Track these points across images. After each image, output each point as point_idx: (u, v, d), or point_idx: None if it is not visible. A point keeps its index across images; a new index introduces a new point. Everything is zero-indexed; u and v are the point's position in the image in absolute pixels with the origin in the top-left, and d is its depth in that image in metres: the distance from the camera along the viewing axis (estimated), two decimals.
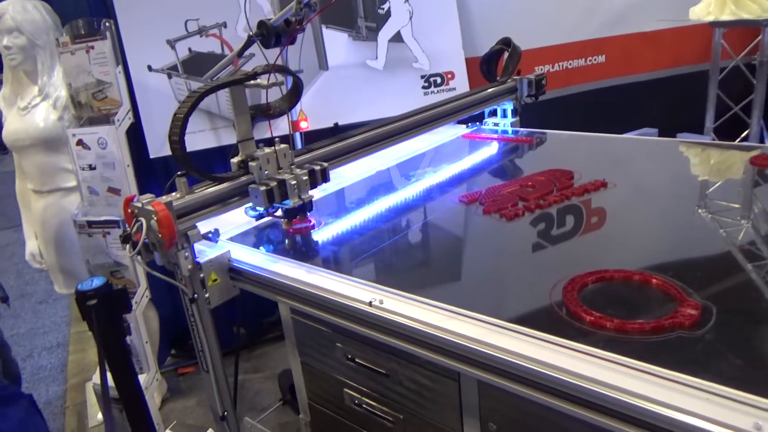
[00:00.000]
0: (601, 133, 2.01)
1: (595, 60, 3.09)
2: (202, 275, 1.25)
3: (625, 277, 1.00)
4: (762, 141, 3.17)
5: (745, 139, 3.15)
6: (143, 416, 1.43)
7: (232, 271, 1.30)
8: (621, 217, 1.34)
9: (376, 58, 2.49)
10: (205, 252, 1.29)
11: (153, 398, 2.15)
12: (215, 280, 1.28)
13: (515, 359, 0.84)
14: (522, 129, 2.14)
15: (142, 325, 1.99)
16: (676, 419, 0.69)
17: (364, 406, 1.40)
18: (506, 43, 2.10)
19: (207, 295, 1.27)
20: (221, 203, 1.30)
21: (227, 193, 1.31)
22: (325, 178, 1.40)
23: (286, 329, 1.48)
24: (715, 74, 3.07)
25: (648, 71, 3.26)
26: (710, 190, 1.49)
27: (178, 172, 1.23)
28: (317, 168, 1.38)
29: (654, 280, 0.96)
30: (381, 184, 1.74)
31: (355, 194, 1.67)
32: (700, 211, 1.36)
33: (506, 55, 2.14)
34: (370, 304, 1.02)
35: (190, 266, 1.23)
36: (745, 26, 2.90)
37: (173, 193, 1.24)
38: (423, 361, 1.17)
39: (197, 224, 1.26)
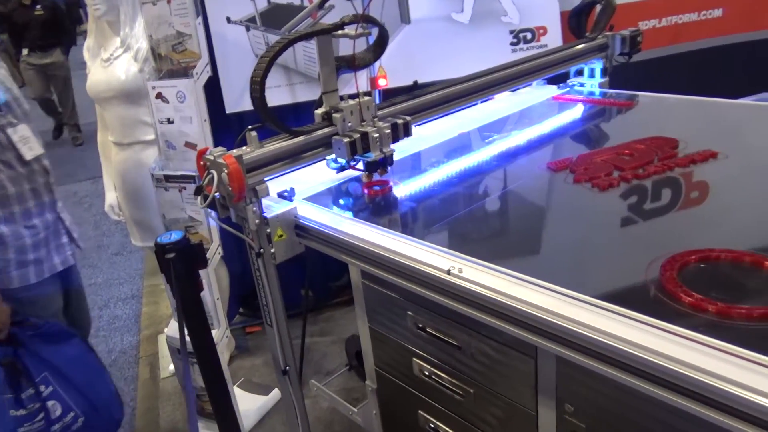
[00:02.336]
0: (711, 98, 1.89)
1: (710, 14, 2.89)
2: (268, 230, 1.31)
3: (733, 258, 0.96)
4: None
5: None
6: (215, 368, 1.53)
7: (298, 228, 1.35)
8: (731, 193, 1.27)
9: (462, 10, 2.44)
10: (273, 207, 1.35)
11: (222, 354, 2.28)
12: (281, 235, 1.33)
13: (603, 337, 0.83)
14: (611, 90, 2.05)
15: (214, 281, 2.11)
16: None
17: (433, 377, 1.43)
18: None
19: (273, 251, 1.33)
20: (292, 158, 1.35)
21: (299, 147, 1.36)
22: (408, 133, 1.44)
23: (356, 294, 1.52)
24: None
25: None
26: None
27: (249, 126, 1.29)
28: (400, 122, 1.41)
29: (767, 263, 0.92)
30: (463, 147, 1.72)
31: (436, 157, 1.67)
32: None
33: (599, 8, 2.04)
34: (448, 272, 1.03)
35: (257, 221, 1.29)
36: None
37: (244, 147, 1.30)
38: (499, 335, 1.18)
39: (268, 180, 1.31)
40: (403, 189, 1.47)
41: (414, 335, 1.42)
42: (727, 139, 1.55)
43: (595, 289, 0.94)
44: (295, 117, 2.34)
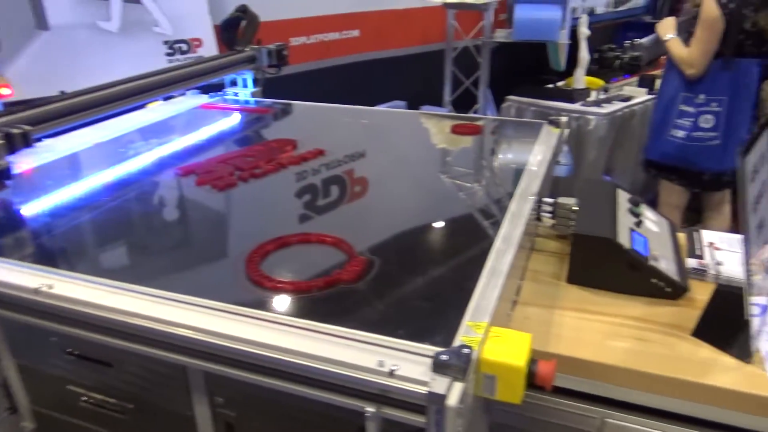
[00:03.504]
0: (352, 105, 2.07)
1: (349, 34, 3.21)
2: None
3: (303, 240, 1.04)
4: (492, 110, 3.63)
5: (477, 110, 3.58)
6: None
7: None
8: (328, 185, 1.38)
9: (110, 19, 2.24)
10: None
11: None
12: None
13: (199, 335, 0.82)
14: (266, 100, 2.12)
15: None
16: (322, 369, 0.73)
17: (91, 401, 1.29)
18: (243, 10, 2.04)
19: None
20: None
21: None
22: (27, 143, 1.28)
23: None
24: (450, 52, 3.41)
25: (400, 47, 3.48)
26: (413, 153, 1.65)
27: None
28: (16, 132, 1.24)
29: (329, 240, 1.02)
30: (96, 159, 1.56)
31: (62, 170, 1.48)
32: (406, 176, 1.49)
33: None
34: (36, 291, 0.91)
35: None
36: (468, 9, 3.27)
37: None
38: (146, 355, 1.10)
39: None
40: (10, 207, 1.27)
41: (64, 362, 1.25)
42: (339, 139, 1.71)
43: (195, 288, 0.93)
44: None
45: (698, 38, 2.34)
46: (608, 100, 3.53)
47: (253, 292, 0.92)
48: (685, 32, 2.43)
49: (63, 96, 1.49)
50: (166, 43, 2.35)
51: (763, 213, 1.02)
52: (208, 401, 1.17)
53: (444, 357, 0.66)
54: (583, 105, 3.48)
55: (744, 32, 2.33)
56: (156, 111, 1.88)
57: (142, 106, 1.85)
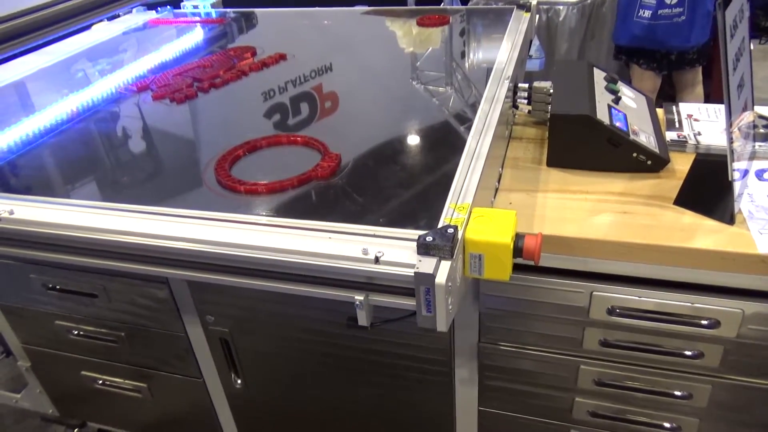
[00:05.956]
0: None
1: None
2: None
3: (274, 142, 1.00)
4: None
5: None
6: None
7: None
8: (294, 89, 1.31)
9: None
10: None
11: None
12: None
13: (180, 244, 0.78)
14: (227, 9, 1.98)
15: None
16: (305, 263, 0.70)
17: (81, 333, 1.28)
18: None
19: None
20: None
21: None
22: None
23: None
24: None
25: None
26: (378, 48, 1.56)
27: None
28: None
29: (299, 140, 0.97)
30: (44, 83, 1.45)
31: (9, 97, 1.39)
32: (374, 70, 1.41)
33: None
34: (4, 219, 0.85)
35: None
36: None
37: None
38: (126, 272, 1.07)
39: None
40: None
41: (47, 297, 1.23)
42: (300, 42, 1.60)
43: (168, 200, 0.89)
44: None
45: None
46: None
47: (226, 197, 0.88)
48: None
49: None
50: None
51: (743, 71, 0.98)
52: (199, 321, 1.17)
53: (429, 238, 0.63)
54: None
55: None
56: (101, 31, 1.74)
57: (85, 29, 1.71)
